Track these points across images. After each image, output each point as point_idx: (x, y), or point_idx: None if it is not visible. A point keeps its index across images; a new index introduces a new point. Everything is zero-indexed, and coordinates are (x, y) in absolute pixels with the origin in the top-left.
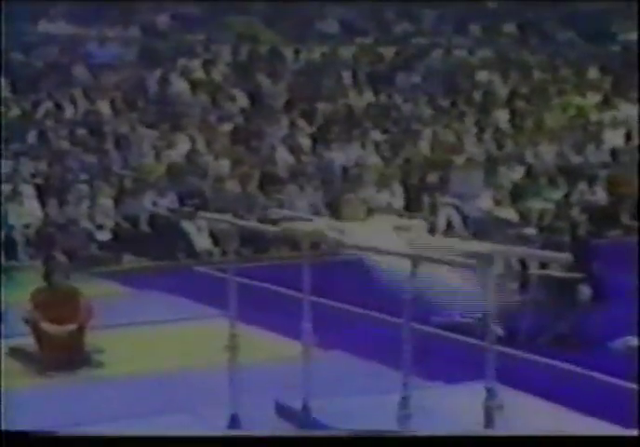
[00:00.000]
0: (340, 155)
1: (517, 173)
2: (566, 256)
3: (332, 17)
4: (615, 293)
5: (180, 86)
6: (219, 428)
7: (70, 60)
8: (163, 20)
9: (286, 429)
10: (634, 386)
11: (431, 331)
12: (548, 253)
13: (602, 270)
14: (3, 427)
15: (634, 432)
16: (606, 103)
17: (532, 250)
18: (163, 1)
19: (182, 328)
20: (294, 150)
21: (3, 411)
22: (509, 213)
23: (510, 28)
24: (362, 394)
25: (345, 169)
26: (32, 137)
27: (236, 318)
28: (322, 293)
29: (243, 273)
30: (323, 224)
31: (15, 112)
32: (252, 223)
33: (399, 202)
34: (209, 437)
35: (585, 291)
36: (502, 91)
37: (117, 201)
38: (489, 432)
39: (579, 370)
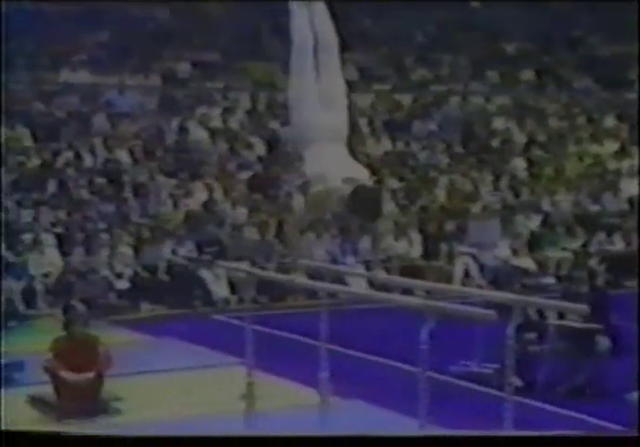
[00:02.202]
0: None
1: (534, 222)
2: (583, 308)
3: (351, 62)
4: (633, 345)
5: (198, 134)
6: None
7: (90, 110)
8: (183, 67)
9: None
10: None
11: (448, 381)
12: (565, 304)
13: (620, 321)
14: (3, 427)
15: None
16: (623, 152)
17: (550, 301)
18: (183, 49)
19: (200, 376)
20: None
21: (3, 411)
22: (527, 262)
23: (528, 74)
24: None
25: (361, 218)
26: (52, 186)
27: (253, 367)
28: (339, 342)
29: (260, 321)
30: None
31: (35, 161)
32: (268, 273)
33: (417, 250)
34: (212, 437)
35: (603, 342)
36: (519, 139)
37: (136, 250)
38: (489, 432)
39: (595, 421)
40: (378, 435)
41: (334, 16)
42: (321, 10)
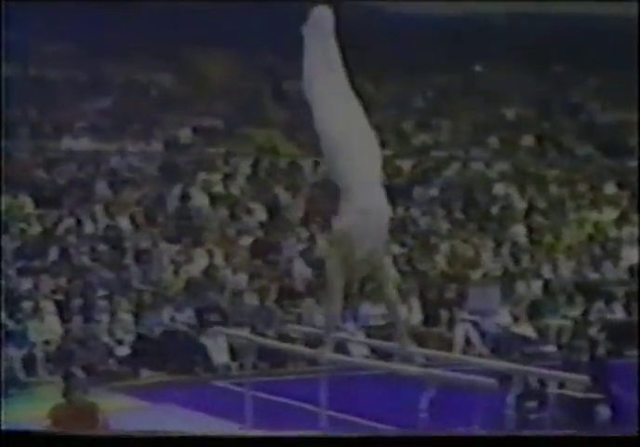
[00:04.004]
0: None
1: (535, 289)
2: (583, 379)
3: None
4: (634, 414)
5: (199, 200)
6: None
7: (92, 176)
8: (185, 133)
9: None
10: None
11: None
12: (566, 375)
13: (621, 391)
14: (3, 427)
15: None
16: (623, 219)
17: (550, 371)
18: (185, 114)
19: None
20: (312, 263)
21: (3, 411)
22: (527, 330)
23: (528, 140)
24: None
25: (362, 283)
26: (53, 254)
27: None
28: (339, 408)
29: (260, 387)
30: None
31: (36, 229)
32: (268, 341)
33: (417, 317)
34: (212, 437)
35: (604, 412)
36: (520, 205)
37: (136, 316)
38: (489, 432)
39: None
40: (377, 435)
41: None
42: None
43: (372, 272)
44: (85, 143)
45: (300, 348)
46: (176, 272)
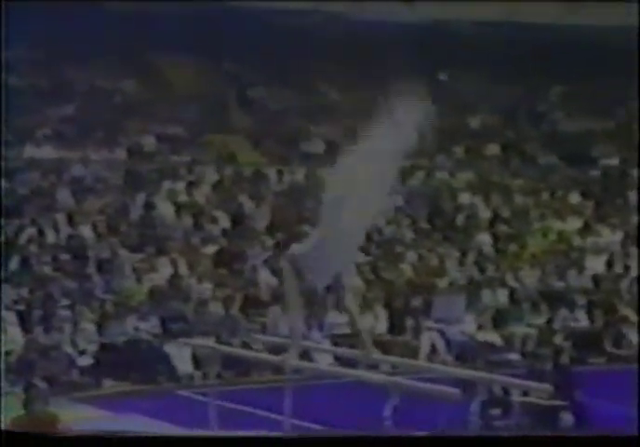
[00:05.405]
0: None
1: (500, 297)
2: (546, 387)
3: (317, 136)
4: (597, 421)
5: (164, 209)
6: None
7: (54, 185)
8: (148, 141)
9: None
10: None
11: None
12: (529, 383)
13: (584, 397)
14: (3, 427)
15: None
16: (587, 229)
17: (514, 380)
18: (149, 122)
19: None
20: (276, 272)
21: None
22: (492, 337)
23: (493, 149)
24: None
25: (328, 291)
26: (14, 263)
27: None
28: (303, 416)
29: (224, 396)
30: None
31: None
32: (233, 349)
33: (382, 325)
34: (209, 437)
35: (567, 418)
36: (485, 214)
37: (99, 326)
38: (488, 432)
39: None
40: (377, 435)
41: None
42: None
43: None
44: (47, 151)
45: (264, 356)
46: (139, 281)
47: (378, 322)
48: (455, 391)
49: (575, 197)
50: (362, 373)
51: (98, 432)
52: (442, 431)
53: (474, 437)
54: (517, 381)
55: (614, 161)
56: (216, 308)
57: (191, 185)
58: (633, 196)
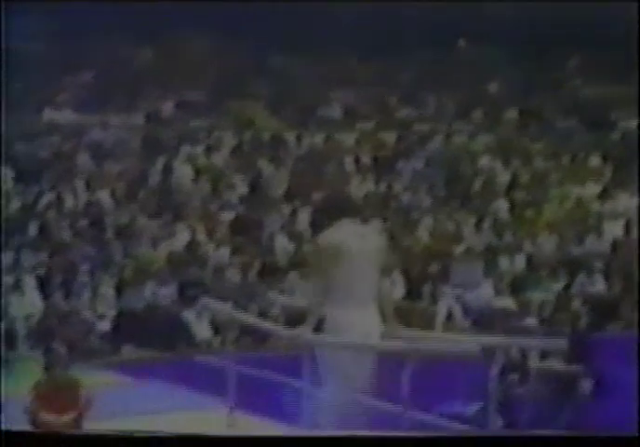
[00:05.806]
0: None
1: (517, 263)
2: (561, 344)
3: (335, 101)
4: (615, 387)
5: (182, 173)
6: None
7: (73, 149)
8: (167, 107)
9: None
10: None
11: (431, 421)
12: (545, 341)
13: (602, 364)
14: (3, 427)
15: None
16: (606, 193)
17: (530, 340)
18: (167, 88)
19: (181, 417)
20: (294, 238)
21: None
22: (508, 303)
23: (512, 114)
24: None
25: None
26: (33, 229)
27: (235, 408)
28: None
29: (242, 362)
30: None
31: (16, 204)
32: (249, 319)
33: (400, 291)
34: (209, 437)
35: (585, 385)
36: (503, 178)
37: (118, 291)
38: (488, 432)
39: None
40: (377, 435)
41: None
42: None
43: None
44: (66, 116)
45: (279, 330)
46: (157, 247)
47: (395, 288)
48: (476, 349)
49: (595, 160)
50: (378, 343)
51: (99, 432)
52: (461, 400)
53: (475, 437)
54: (534, 341)
55: (633, 123)
56: (233, 275)
57: (209, 150)
58: None
